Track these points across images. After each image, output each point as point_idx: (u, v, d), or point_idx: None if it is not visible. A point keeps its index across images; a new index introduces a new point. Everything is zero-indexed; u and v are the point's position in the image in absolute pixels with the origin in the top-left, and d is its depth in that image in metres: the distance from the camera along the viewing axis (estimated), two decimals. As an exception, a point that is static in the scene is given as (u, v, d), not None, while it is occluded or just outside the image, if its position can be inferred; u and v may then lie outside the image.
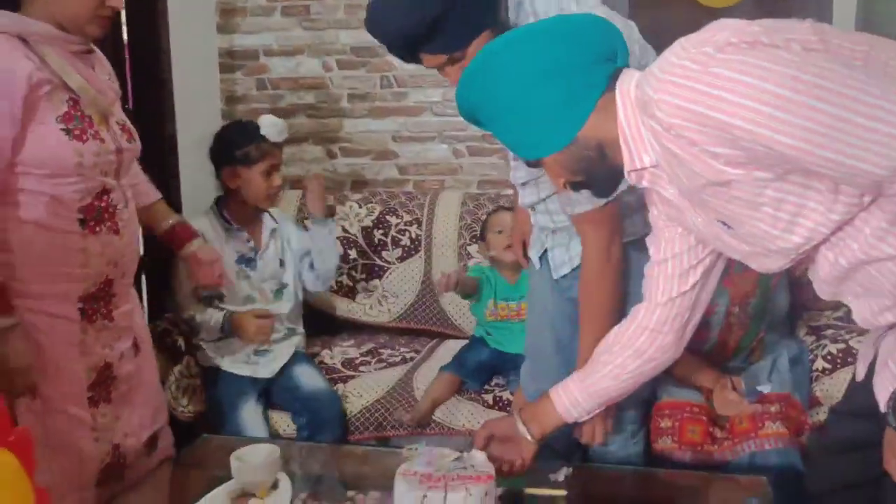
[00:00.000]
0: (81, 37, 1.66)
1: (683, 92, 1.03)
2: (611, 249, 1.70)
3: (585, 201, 1.64)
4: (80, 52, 1.69)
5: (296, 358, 2.49)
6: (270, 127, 2.43)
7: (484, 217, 2.79)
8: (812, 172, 1.03)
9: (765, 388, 2.04)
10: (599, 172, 1.28)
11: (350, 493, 1.61)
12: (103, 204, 1.70)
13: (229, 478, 1.58)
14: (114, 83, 1.82)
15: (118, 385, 1.80)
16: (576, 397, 1.56)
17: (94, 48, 1.77)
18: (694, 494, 1.67)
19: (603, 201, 1.61)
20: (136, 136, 1.83)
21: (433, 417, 2.35)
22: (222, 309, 2.37)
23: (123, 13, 2.49)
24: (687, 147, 1.08)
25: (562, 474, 1.64)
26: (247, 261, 2.48)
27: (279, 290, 2.53)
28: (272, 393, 2.42)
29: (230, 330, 2.36)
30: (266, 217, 2.56)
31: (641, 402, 1.96)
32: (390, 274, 2.92)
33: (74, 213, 1.64)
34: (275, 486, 1.58)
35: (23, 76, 1.53)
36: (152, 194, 2.11)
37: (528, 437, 1.58)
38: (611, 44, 1.26)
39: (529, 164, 1.37)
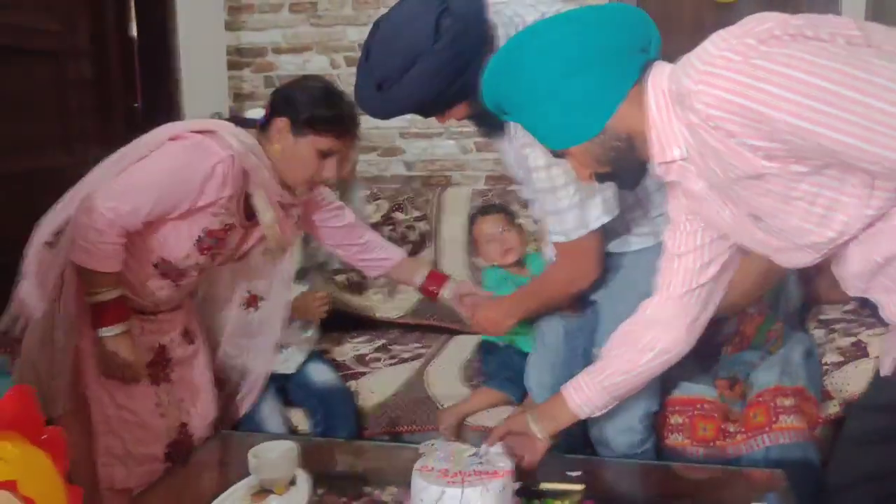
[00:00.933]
0: (290, 192, 1.84)
1: (724, 83, 1.02)
2: (572, 284, 1.82)
3: (560, 232, 1.72)
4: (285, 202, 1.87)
5: (309, 355, 2.50)
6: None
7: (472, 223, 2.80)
8: (849, 167, 1.02)
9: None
10: (626, 164, 1.28)
11: (367, 489, 1.61)
12: (179, 271, 1.85)
13: (247, 474, 1.59)
14: (300, 228, 2.05)
15: (174, 367, 1.96)
16: (587, 393, 1.57)
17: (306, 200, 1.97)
18: (712, 489, 1.67)
19: (576, 235, 1.69)
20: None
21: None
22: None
23: (133, 10, 2.50)
24: (725, 139, 1.07)
25: None
26: None
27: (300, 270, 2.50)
28: (287, 390, 2.43)
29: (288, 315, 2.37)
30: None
31: (650, 414, 1.97)
32: (399, 270, 2.92)
33: (152, 261, 1.81)
34: (293, 482, 1.59)
35: (217, 195, 1.73)
36: (394, 258, 2.19)
37: (539, 435, 1.59)
38: (644, 34, 1.24)
39: (556, 155, 1.37)
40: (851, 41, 1.02)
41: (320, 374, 2.44)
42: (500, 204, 2.54)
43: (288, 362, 2.42)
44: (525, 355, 2.30)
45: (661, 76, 1.21)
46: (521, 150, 1.67)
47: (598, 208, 1.68)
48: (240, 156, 1.73)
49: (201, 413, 2.01)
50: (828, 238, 1.12)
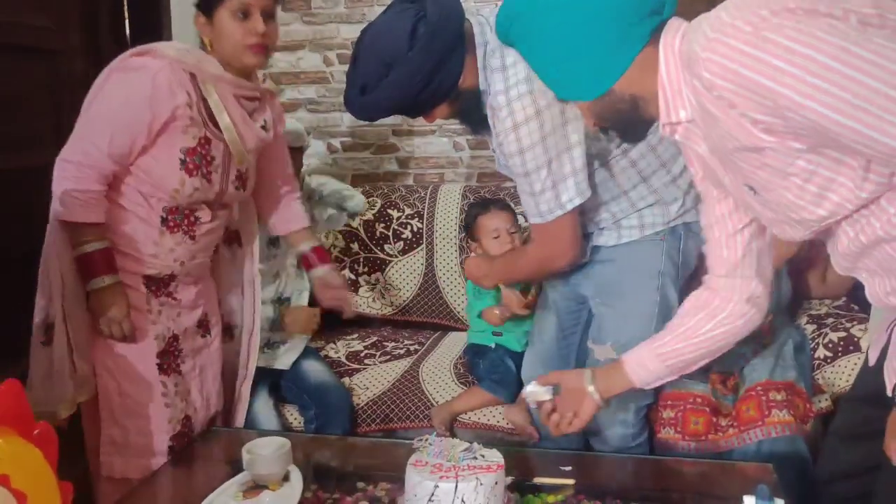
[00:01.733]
0: (244, 72, 1.84)
1: (732, 53, 1.01)
2: (549, 262, 1.89)
3: (536, 214, 1.78)
4: (246, 98, 1.87)
5: (303, 351, 2.50)
6: None
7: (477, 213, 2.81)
8: (847, 148, 1.01)
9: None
10: (629, 122, 1.29)
11: (361, 485, 1.62)
12: (185, 214, 1.87)
13: (240, 470, 1.59)
14: (268, 132, 1.97)
15: (185, 359, 1.95)
16: (645, 360, 1.58)
17: (268, 100, 1.98)
18: (702, 482, 1.68)
19: (551, 216, 1.75)
20: (249, 185, 2.01)
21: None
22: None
23: (126, 9, 2.50)
24: (726, 109, 1.06)
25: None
26: (272, 241, 2.46)
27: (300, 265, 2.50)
28: (280, 387, 2.43)
29: (280, 323, 2.41)
30: None
31: (644, 407, 1.99)
32: (392, 267, 2.93)
33: (158, 213, 1.83)
34: (286, 478, 1.59)
35: (169, 106, 1.73)
36: (299, 223, 2.25)
37: (595, 396, 1.58)
38: None
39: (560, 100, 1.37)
40: (865, 19, 1.00)
41: (314, 370, 2.44)
42: (506, 201, 2.50)
43: (282, 359, 2.42)
44: (514, 354, 2.33)
45: (674, 36, 1.20)
46: (497, 138, 1.72)
47: (571, 191, 1.73)
48: (178, 60, 1.74)
49: (206, 406, 2.02)
50: (819, 216, 1.12)
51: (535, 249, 1.92)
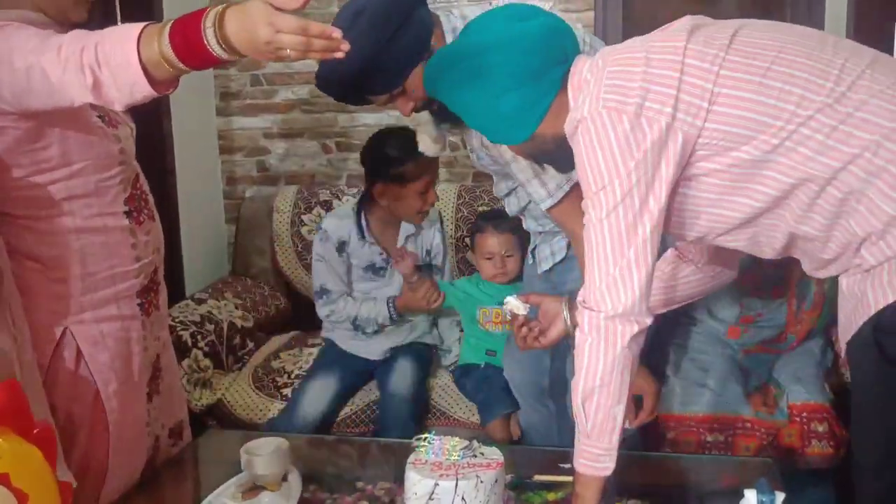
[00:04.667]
0: (68, 24, 1.48)
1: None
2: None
3: (546, 196, 1.74)
4: None
5: (400, 347, 2.48)
6: (429, 141, 2.11)
7: (481, 207, 2.81)
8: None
9: None
10: (559, 158, 1.42)
11: (360, 485, 1.61)
12: (138, 191, 1.61)
13: (239, 471, 1.59)
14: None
15: (163, 376, 1.74)
16: None
17: None
18: (702, 477, 1.69)
19: (561, 193, 1.72)
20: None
21: (439, 408, 2.39)
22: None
23: (118, 8, 2.48)
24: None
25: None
26: (375, 269, 2.44)
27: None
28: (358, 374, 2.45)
29: (397, 315, 2.38)
30: (403, 223, 2.46)
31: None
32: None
33: (121, 208, 1.56)
34: (284, 478, 1.59)
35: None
36: None
37: (567, 319, 1.63)
38: (566, 45, 1.37)
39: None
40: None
41: (400, 374, 2.39)
42: (513, 221, 2.26)
43: (371, 347, 2.42)
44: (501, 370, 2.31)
45: (580, 73, 1.34)
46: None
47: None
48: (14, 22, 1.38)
49: (167, 423, 1.78)
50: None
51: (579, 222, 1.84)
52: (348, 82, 1.62)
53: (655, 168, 1.21)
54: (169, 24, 1.25)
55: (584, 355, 1.30)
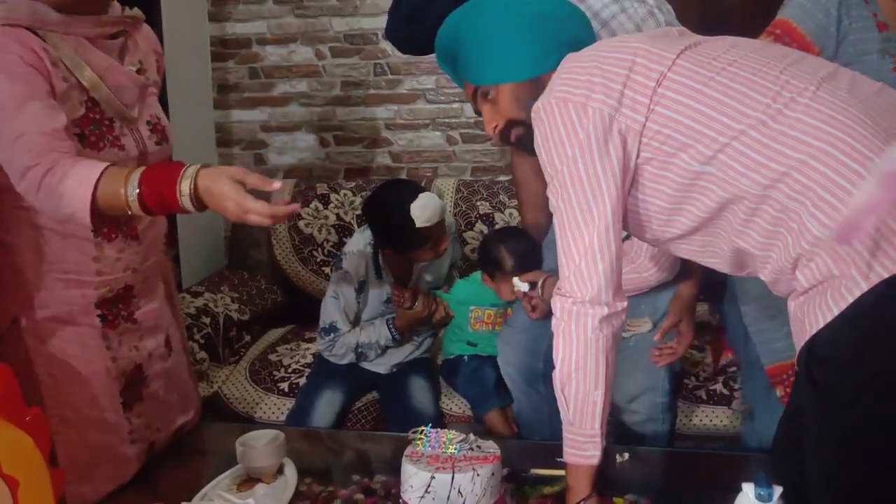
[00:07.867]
0: (92, 5, 1.44)
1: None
2: None
3: None
4: (103, 38, 1.49)
5: (412, 362, 2.45)
6: (420, 212, 2.12)
7: (479, 202, 2.83)
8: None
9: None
10: (529, 134, 1.40)
11: (356, 477, 1.61)
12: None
13: (234, 463, 1.58)
14: (148, 73, 1.60)
15: (149, 383, 1.68)
16: None
17: (131, 26, 1.56)
18: (700, 471, 1.68)
19: None
20: (169, 134, 1.64)
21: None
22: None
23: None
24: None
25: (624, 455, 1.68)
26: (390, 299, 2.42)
27: None
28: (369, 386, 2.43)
29: (399, 335, 2.35)
30: None
31: (672, 377, 2.00)
32: (386, 261, 2.91)
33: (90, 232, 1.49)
34: (280, 471, 1.58)
35: (16, 76, 1.34)
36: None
37: (523, 287, 1.86)
38: (580, 33, 1.43)
39: (475, 109, 1.50)
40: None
41: (416, 392, 2.37)
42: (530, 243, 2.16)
43: (378, 361, 2.39)
44: (489, 360, 2.30)
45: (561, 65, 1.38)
46: None
47: None
48: (6, 18, 1.36)
49: (168, 426, 1.77)
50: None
51: None
52: (419, 48, 1.76)
53: (602, 157, 1.25)
54: (137, 175, 1.35)
55: (559, 340, 1.34)
